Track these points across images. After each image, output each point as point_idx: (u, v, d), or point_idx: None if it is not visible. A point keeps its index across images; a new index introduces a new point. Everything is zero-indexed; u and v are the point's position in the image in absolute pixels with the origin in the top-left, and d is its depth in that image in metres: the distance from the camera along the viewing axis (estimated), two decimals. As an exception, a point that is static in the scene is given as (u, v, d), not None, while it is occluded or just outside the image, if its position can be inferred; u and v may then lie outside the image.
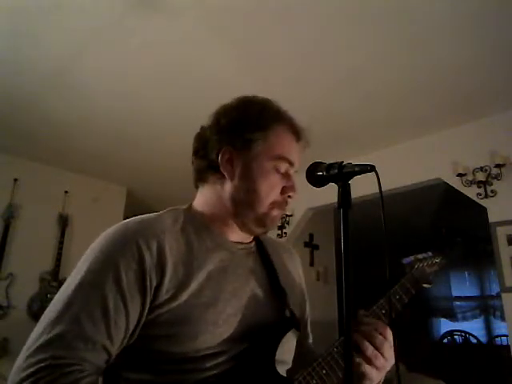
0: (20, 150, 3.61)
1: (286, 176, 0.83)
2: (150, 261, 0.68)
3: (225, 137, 0.81)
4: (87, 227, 3.72)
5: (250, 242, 0.88)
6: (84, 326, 0.61)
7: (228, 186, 0.81)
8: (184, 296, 0.69)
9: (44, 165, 3.89)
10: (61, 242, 3.80)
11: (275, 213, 0.81)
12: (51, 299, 0.67)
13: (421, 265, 0.97)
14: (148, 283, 0.66)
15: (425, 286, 0.95)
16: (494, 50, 2.22)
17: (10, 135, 3.35)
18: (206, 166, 0.83)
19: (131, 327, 0.66)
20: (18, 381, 0.57)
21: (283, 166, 0.82)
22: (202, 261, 0.75)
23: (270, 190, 0.80)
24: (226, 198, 0.81)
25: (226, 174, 0.81)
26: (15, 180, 3.66)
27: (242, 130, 0.81)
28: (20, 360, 0.59)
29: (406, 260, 0.98)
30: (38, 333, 0.61)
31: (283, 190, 0.82)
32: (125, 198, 4.49)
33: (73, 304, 0.63)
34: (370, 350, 0.74)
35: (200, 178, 0.86)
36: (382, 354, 0.74)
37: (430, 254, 1.01)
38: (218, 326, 0.70)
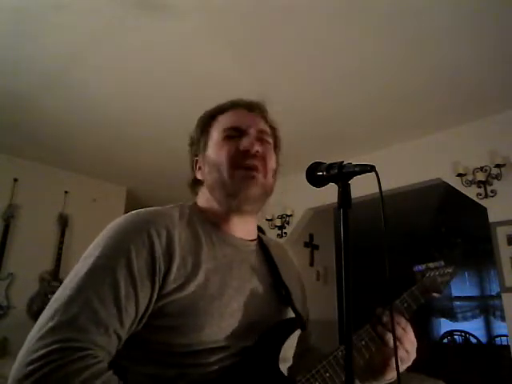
0: (20, 150, 3.61)
1: (241, 138, 0.84)
2: (159, 248, 0.69)
3: (192, 154, 0.91)
4: (87, 227, 3.72)
5: (253, 240, 0.88)
6: (96, 310, 0.61)
7: (205, 185, 0.87)
8: (192, 287, 0.69)
9: (44, 165, 3.90)
10: (61, 242, 3.80)
11: (238, 174, 0.81)
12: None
13: (432, 274, 0.97)
14: (157, 270, 0.68)
15: (435, 295, 0.95)
16: (494, 50, 2.22)
17: (10, 135, 3.35)
18: (192, 184, 0.91)
19: (140, 313, 0.66)
20: (29, 362, 0.55)
21: (231, 132, 0.84)
22: (209, 255, 0.76)
23: (224, 154, 0.82)
24: (209, 196, 0.85)
25: (199, 177, 0.88)
26: (15, 180, 3.66)
27: (197, 139, 0.89)
28: (30, 342, 0.58)
29: (417, 268, 0.98)
30: (50, 315, 0.60)
31: (237, 148, 0.82)
32: (125, 198, 4.50)
33: (85, 288, 0.63)
34: (392, 341, 0.77)
35: (193, 191, 0.92)
36: (402, 346, 0.80)
37: (442, 263, 1.00)
38: (224, 319, 0.71)
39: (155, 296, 0.67)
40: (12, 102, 2.83)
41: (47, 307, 0.63)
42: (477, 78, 2.49)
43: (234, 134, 0.84)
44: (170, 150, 3.31)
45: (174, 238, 0.72)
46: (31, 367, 0.55)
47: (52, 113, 2.98)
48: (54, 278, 3.69)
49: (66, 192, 3.99)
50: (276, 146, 0.92)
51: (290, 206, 3.93)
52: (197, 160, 0.89)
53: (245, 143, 0.82)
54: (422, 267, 0.98)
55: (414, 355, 0.83)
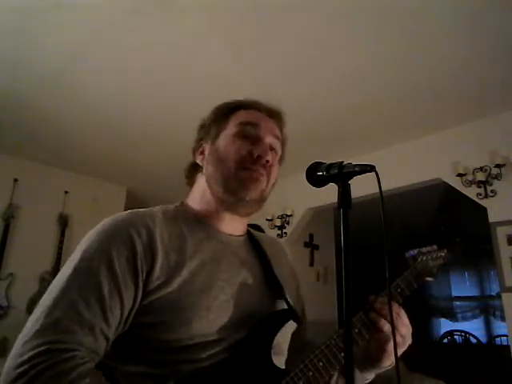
0: (20, 150, 3.61)
1: (256, 141, 0.83)
2: (140, 247, 0.69)
3: (198, 137, 0.90)
4: (87, 227, 3.69)
5: (242, 235, 0.88)
6: (80, 312, 0.62)
7: (204, 173, 0.85)
8: (176, 283, 0.70)
9: (44, 165, 3.90)
10: (61, 242, 3.81)
11: (243, 174, 0.80)
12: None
13: (424, 258, 0.96)
14: (139, 268, 0.68)
15: (428, 279, 0.95)
16: (494, 50, 2.22)
17: (10, 135, 3.35)
18: (190, 168, 0.90)
19: (126, 312, 0.67)
20: (17, 365, 0.56)
21: (248, 130, 0.83)
22: (195, 250, 0.76)
23: (233, 151, 0.81)
24: (205, 186, 0.84)
25: (199, 163, 0.87)
26: (15, 180, 3.67)
27: (210, 125, 0.88)
28: (17, 346, 0.59)
29: (409, 253, 0.97)
30: (35, 319, 0.62)
31: (250, 152, 0.81)
32: (125, 198, 4.50)
33: (68, 290, 0.64)
34: (386, 326, 0.78)
35: (189, 182, 0.91)
36: (397, 331, 0.79)
37: (434, 247, 1.00)
38: (212, 312, 0.71)
39: (140, 294, 0.67)
40: (12, 102, 2.83)
41: (34, 310, 0.64)
42: (477, 78, 2.49)
43: (249, 132, 0.83)
44: (170, 150, 3.31)
45: (154, 236, 0.72)
46: (20, 370, 0.56)
47: (52, 113, 2.98)
48: (53, 278, 3.67)
49: (66, 192, 3.99)
50: (281, 158, 0.92)
51: (290, 206, 3.93)
52: (201, 144, 0.88)
53: (259, 150, 0.81)
54: (414, 252, 0.97)
55: (409, 339, 0.82)
